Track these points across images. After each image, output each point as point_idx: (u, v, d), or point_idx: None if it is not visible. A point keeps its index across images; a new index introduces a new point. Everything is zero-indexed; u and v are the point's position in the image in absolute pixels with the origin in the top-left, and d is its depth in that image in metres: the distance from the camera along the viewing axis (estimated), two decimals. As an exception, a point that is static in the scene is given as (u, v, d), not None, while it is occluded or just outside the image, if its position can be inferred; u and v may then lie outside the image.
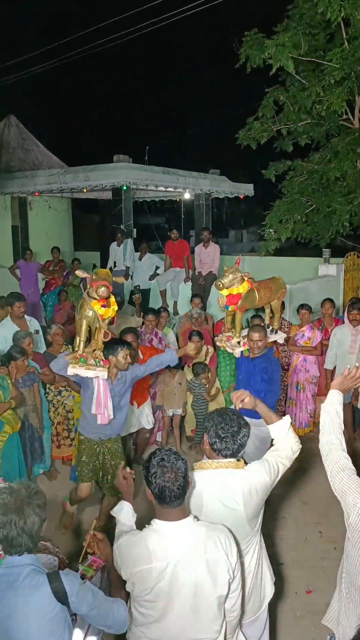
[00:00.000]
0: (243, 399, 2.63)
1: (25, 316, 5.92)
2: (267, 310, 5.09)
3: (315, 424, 6.90)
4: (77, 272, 4.02)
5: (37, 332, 5.97)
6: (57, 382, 5.54)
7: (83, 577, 2.33)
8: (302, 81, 9.62)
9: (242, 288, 4.39)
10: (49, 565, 2.60)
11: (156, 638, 2.12)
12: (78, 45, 13.87)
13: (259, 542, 2.59)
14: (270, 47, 8.50)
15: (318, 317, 7.20)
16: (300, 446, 2.69)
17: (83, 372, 3.96)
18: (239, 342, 4.64)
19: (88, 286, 3.90)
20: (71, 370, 3.95)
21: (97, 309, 3.89)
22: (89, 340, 4.14)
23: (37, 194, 12.58)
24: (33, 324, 6.04)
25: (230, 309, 4.54)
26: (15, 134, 14.92)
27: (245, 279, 4.40)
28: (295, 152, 10.68)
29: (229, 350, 4.68)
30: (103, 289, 3.74)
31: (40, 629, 1.89)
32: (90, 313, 3.93)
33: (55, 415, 5.69)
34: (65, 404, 5.69)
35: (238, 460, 2.45)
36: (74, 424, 5.64)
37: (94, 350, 4.05)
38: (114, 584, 2.29)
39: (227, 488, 2.38)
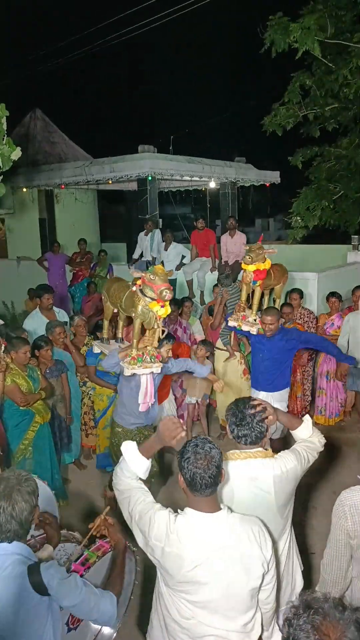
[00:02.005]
0: (264, 413, 2.51)
1: (54, 308, 6.00)
2: (267, 297, 5.28)
3: (346, 413, 6.83)
4: (132, 272, 3.83)
5: (65, 323, 6.05)
6: (82, 374, 5.60)
7: (86, 562, 2.31)
8: (329, 64, 9.41)
9: (267, 264, 4.57)
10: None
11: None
12: (102, 37, 13.85)
13: (289, 532, 2.58)
14: (296, 30, 8.34)
15: (348, 305, 7.10)
16: (324, 440, 2.68)
17: (141, 371, 3.94)
18: (255, 320, 4.76)
19: (140, 283, 3.76)
20: (129, 371, 3.91)
21: (157, 310, 3.76)
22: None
23: (63, 186, 12.66)
24: (61, 316, 6.12)
25: (257, 284, 4.71)
26: (41, 128, 15.04)
27: (266, 257, 4.62)
28: (322, 138, 10.49)
29: (245, 329, 4.78)
30: (168, 293, 3.61)
31: (18, 618, 1.90)
32: (146, 311, 3.80)
33: (82, 405, 5.76)
34: (90, 394, 5.76)
35: (266, 449, 2.44)
36: (95, 416, 5.71)
37: (146, 346, 4.00)
38: (116, 572, 2.28)
39: (257, 477, 2.37)
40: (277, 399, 4.87)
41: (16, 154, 4.37)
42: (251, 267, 4.44)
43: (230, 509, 2.14)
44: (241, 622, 2.09)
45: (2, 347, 4.53)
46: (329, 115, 10.01)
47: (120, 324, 4.65)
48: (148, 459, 2.26)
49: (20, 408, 4.57)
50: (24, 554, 2.03)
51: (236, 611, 2.08)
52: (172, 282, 9.78)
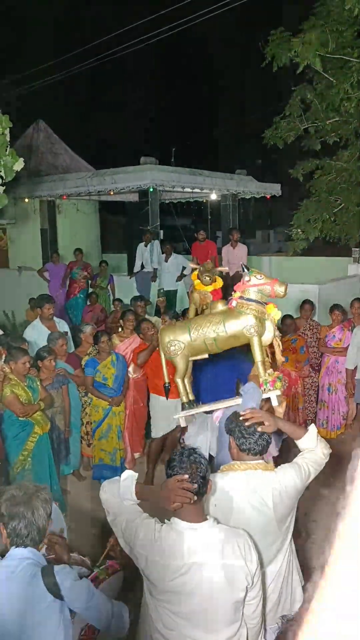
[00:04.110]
0: (261, 422, 2.45)
1: (55, 318, 5.99)
2: None
3: (347, 426, 6.80)
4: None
5: (66, 333, 6.04)
6: (82, 385, 5.59)
7: (96, 579, 2.35)
8: (330, 79, 9.49)
9: (220, 283, 4.24)
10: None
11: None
12: (103, 49, 14.00)
13: (289, 546, 2.55)
14: (297, 45, 8.42)
15: (348, 317, 7.10)
16: (330, 450, 2.63)
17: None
18: None
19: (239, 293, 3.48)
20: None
21: (275, 315, 3.37)
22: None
23: (65, 197, 12.73)
24: (62, 326, 6.11)
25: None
26: (43, 139, 15.16)
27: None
28: (323, 151, 10.54)
29: None
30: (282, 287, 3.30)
31: (32, 619, 1.95)
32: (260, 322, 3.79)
33: (84, 415, 5.75)
34: (90, 404, 5.74)
35: (267, 462, 2.42)
36: (92, 427, 5.68)
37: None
38: (125, 588, 2.32)
39: (257, 490, 2.36)
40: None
41: (19, 164, 4.40)
42: (209, 288, 4.14)
43: (217, 520, 2.13)
44: (225, 636, 2.08)
45: (2, 357, 4.53)
46: (330, 129, 10.06)
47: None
48: (138, 500, 2.20)
49: (19, 419, 4.55)
50: (37, 559, 2.07)
51: (220, 624, 2.06)
52: (173, 294, 9.81)
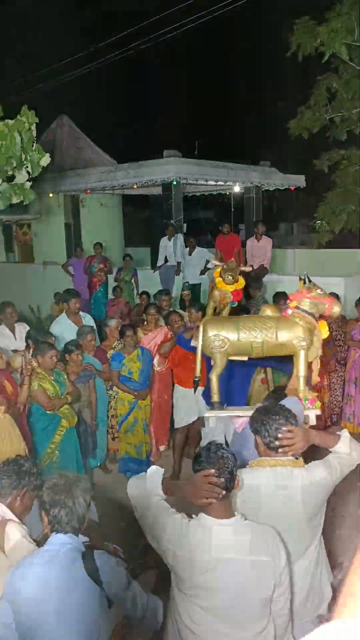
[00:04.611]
0: (293, 439, 2.40)
1: (80, 312, 6.04)
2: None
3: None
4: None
5: (91, 327, 6.08)
6: (108, 380, 5.63)
7: (132, 571, 2.37)
8: (357, 67, 9.30)
9: (242, 283, 4.24)
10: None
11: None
12: (127, 42, 13.97)
13: (319, 542, 2.54)
14: (323, 33, 8.28)
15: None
16: None
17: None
18: None
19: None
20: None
21: (324, 332, 3.37)
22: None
23: (88, 191, 12.78)
24: (88, 320, 6.15)
25: (235, 305, 4.44)
26: (67, 134, 15.22)
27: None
28: (349, 141, 10.35)
29: None
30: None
31: (71, 603, 1.99)
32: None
33: (110, 408, 5.79)
34: (116, 398, 5.78)
35: (297, 458, 2.40)
36: (117, 420, 5.72)
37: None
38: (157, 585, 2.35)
39: (286, 486, 2.35)
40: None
41: (45, 160, 4.43)
42: (230, 288, 4.13)
43: (245, 516, 2.12)
44: (253, 632, 2.08)
45: (30, 352, 4.59)
46: (356, 118, 9.87)
47: None
48: (165, 495, 2.23)
49: (47, 412, 4.61)
50: (77, 544, 2.12)
51: (248, 620, 2.07)
52: (197, 287, 9.79)
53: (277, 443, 2.39)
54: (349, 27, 8.48)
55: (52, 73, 15.43)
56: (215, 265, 4.39)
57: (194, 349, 4.58)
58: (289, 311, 3.09)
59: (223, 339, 3.03)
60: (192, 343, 4.51)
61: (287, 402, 2.97)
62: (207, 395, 4.75)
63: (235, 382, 4.52)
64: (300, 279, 3.15)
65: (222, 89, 24.15)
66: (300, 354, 3.01)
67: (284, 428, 2.39)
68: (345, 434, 2.59)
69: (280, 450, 2.39)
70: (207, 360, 4.60)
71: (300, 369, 3.03)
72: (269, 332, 3.02)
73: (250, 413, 3.11)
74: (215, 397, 3.14)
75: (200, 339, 3.11)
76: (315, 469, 2.40)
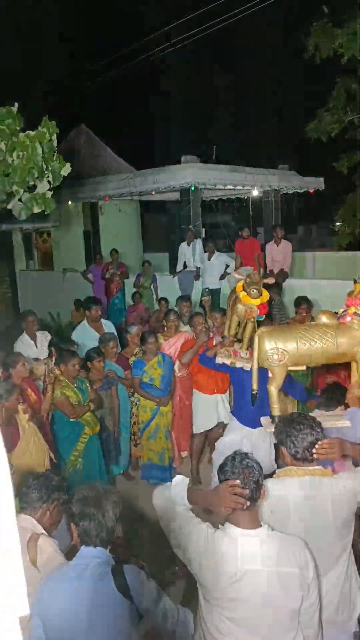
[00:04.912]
0: (330, 450, 2.39)
1: (101, 319, 6.06)
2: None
3: None
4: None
5: (112, 334, 6.10)
6: (130, 387, 5.63)
7: (162, 582, 2.36)
8: (375, 68, 9.25)
9: (266, 296, 4.08)
10: None
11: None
12: (144, 50, 14.06)
13: (349, 554, 2.48)
14: (341, 36, 8.25)
15: None
16: None
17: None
18: (246, 354, 4.28)
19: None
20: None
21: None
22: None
23: (107, 198, 12.87)
24: (108, 327, 6.18)
25: (262, 318, 4.26)
26: (85, 142, 15.38)
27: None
28: (368, 143, 10.29)
29: (239, 365, 4.30)
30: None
31: (100, 618, 1.97)
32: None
33: (131, 415, 5.79)
34: (138, 405, 5.78)
35: (325, 467, 2.37)
36: (139, 427, 5.72)
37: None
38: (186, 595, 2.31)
39: (315, 496, 2.31)
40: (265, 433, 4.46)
41: (66, 169, 4.47)
42: (256, 301, 3.98)
43: (272, 527, 2.09)
44: None
45: (53, 360, 4.61)
46: (376, 120, 9.82)
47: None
48: (190, 505, 2.22)
49: (70, 420, 4.62)
50: (106, 558, 2.11)
51: (275, 632, 2.03)
52: (216, 292, 9.77)
53: (305, 453, 2.35)
54: (367, 28, 8.43)
55: (71, 82, 15.61)
56: (237, 279, 4.30)
57: (219, 367, 4.56)
58: (348, 318, 3.00)
59: (282, 351, 2.92)
60: (218, 360, 4.44)
61: (352, 412, 2.93)
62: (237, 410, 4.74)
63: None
64: (356, 282, 3.09)
65: (240, 93, 24.15)
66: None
67: (309, 438, 2.35)
68: None
69: (313, 460, 2.36)
70: (222, 370, 4.57)
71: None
72: (328, 341, 2.93)
73: (335, 423, 3.02)
74: (276, 411, 3.02)
75: (256, 353, 3.01)
76: (345, 479, 2.35)
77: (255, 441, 4.46)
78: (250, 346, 4.35)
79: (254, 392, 3.15)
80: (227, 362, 4.36)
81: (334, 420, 3.02)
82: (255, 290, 3.92)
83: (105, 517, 2.10)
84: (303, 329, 3.02)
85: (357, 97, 9.72)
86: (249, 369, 4.25)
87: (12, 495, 0.88)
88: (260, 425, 4.35)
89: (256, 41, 21.00)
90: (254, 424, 4.46)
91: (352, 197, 10.00)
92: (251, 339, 4.41)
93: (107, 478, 5.03)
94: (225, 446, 4.69)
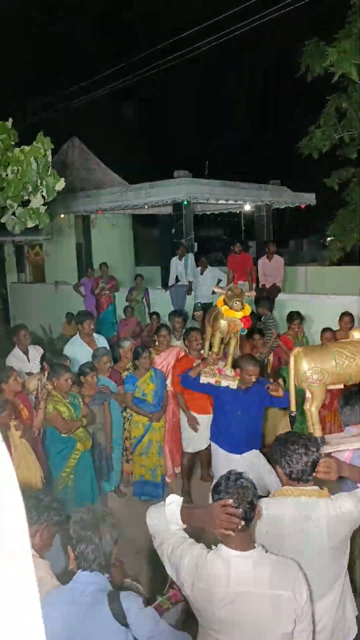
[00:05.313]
0: (327, 471, 2.41)
1: (94, 334, 6.04)
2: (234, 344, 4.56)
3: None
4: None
5: (105, 349, 6.07)
6: (123, 403, 5.60)
7: (159, 607, 2.32)
8: (366, 87, 9.38)
9: (248, 309, 4.08)
10: None
11: None
12: (138, 67, 14.20)
13: (344, 578, 2.45)
14: (332, 54, 8.36)
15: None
16: None
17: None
18: (231, 373, 4.26)
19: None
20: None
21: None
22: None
23: (100, 211, 12.91)
24: (101, 341, 6.15)
25: (245, 332, 4.33)
26: (78, 155, 15.44)
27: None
28: (358, 159, 10.41)
29: (225, 384, 4.23)
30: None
31: None
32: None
33: (123, 431, 5.74)
34: (130, 419, 5.74)
35: (322, 488, 2.35)
36: (131, 443, 5.68)
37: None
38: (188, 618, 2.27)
39: (310, 517, 2.29)
40: (257, 458, 4.42)
41: (60, 185, 4.47)
42: (239, 314, 3.99)
43: (265, 549, 2.07)
44: None
45: (45, 374, 4.58)
46: (366, 137, 9.93)
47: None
48: (184, 524, 2.17)
49: (62, 435, 4.58)
50: (102, 584, 2.08)
51: None
52: (209, 307, 9.77)
53: (300, 474, 2.34)
54: (359, 47, 8.56)
55: (64, 96, 15.70)
56: (218, 293, 4.21)
57: (202, 388, 4.49)
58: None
59: (322, 371, 2.82)
60: (203, 380, 4.33)
61: None
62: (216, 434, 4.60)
63: (248, 430, 4.39)
64: None
65: (232, 109, 24.43)
66: None
67: (305, 458, 2.34)
68: None
69: (309, 480, 2.35)
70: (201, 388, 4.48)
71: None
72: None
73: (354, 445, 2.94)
74: (318, 432, 2.92)
75: (292, 373, 2.92)
76: (341, 500, 2.34)
77: (250, 466, 4.27)
78: (234, 363, 4.30)
79: (292, 414, 3.05)
80: (212, 381, 4.26)
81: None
82: (238, 303, 3.93)
83: (103, 541, 2.07)
84: (339, 346, 2.96)
85: (348, 114, 9.85)
86: (235, 387, 4.26)
87: (20, 497, 0.83)
88: (243, 451, 4.35)
89: (250, 58, 21.32)
90: (233, 448, 4.40)
91: (343, 213, 10.09)
92: (235, 356, 4.38)
93: (98, 495, 4.97)
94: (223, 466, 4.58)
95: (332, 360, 2.84)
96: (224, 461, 4.40)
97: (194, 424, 5.38)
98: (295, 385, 2.92)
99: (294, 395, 2.98)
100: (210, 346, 4.68)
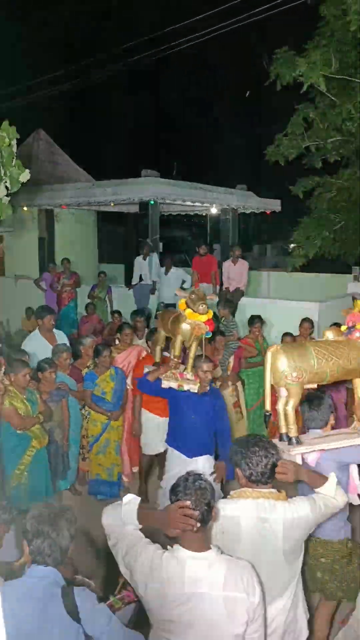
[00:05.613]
0: (284, 472, 2.43)
1: (54, 330, 5.93)
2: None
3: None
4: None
5: (67, 346, 5.98)
6: (82, 400, 5.53)
7: (111, 607, 2.30)
8: (333, 98, 9.57)
9: (210, 312, 4.03)
10: None
11: None
12: (108, 61, 14.08)
13: (297, 582, 2.48)
14: (302, 64, 8.50)
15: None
16: (347, 499, 2.59)
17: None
18: (192, 377, 4.22)
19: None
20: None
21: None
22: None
23: (64, 206, 12.72)
24: (61, 337, 6.04)
25: (209, 336, 4.27)
26: (43, 148, 15.18)
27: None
28: (324, 169, 10.63)
29: (187, 388, 4.18)
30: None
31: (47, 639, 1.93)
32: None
33: (81, 429, 5.67)
34: (88, 418, 5.67)
35: (280, 491, 2.37)
36: (88, 441, 5.61)
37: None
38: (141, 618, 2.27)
39: (267, 519, 2.30)
40: (209, 464, 4.41)
41: (25, 176, 4.36)
42: (204, 317, 3.92)
43: (221, 550, 2.07)
44: None
45: (2, 369, 4.46)
46: (331, 148, 10.15)
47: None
48: (140, 524, 2.15)
49: (17, 432, 4.47)
50: (56, 578, 2.05)
51: None
52: (173, 307, 9.77)
53: (259, 476, 2.35)
54: (327, 59, 8.75)
55: (31, 88, 15.42)
56: (180, 296, 4.12)
57: (159, 392, 4.43)
58: (357, 334, 2.99)
59: (301, 369, 2.78)
60: (164, 384, 4.21)
61: None
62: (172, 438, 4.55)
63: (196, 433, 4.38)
64: (355, 299, 3.15)
65: (202, 113, 24.55)
66: None
67: (264, 460, 2.35)
68: (333, 477, 2.55)
69: (268, 482, 2.36)
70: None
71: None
72: (342, 357, 2.87)
73: (340, 444, 2.95)
74: (293, 432, 2.87)
75: (268, 372, 2.85)
76: (299, 504, 2.36)
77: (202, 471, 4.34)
78: (194, 367, 4.20)
79: (267, 414, 2.98)
80: (175, 385, 4.19)
81: (354, 439, 2.98)
82: (203, 306, 3.87)
83: (60, 536, 2.04)
84: (318, 345, 2.94)
85: (315, 125, 10.04)
86: (196, 390, 4.21)
87: None
88: (196, 455, 4.35)
89: (220, 63, 21.47)
90: (187, 452, 4.40)
91: (307, 221, 10.26)
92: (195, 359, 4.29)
93: (53, 493, 4.88)
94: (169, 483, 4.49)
95: (311, 359, 2.81)
96: (177, 464, 4.39)
97: (138, 432, 5.44)
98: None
99: (269, 394, 2.92)
100: (162, 350, 4.71)
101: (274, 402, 2.94)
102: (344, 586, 3.18)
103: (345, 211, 9.91)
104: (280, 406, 2.87)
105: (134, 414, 5.46)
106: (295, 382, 2.79)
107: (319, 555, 3.17)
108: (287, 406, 2.85)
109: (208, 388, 4.40)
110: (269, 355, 2.84)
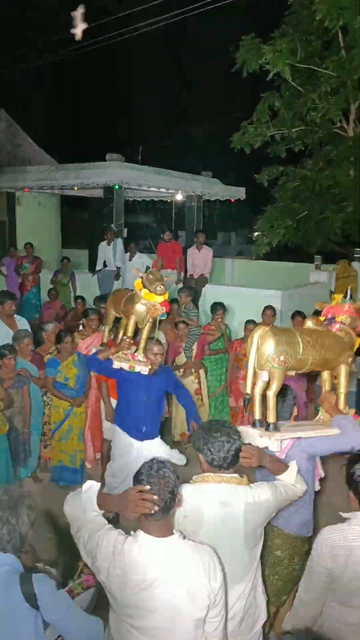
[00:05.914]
0: (248, 457, 2.46)
1: (15, 315, 5.81)
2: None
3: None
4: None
5: (28, 331, 5.87)
6: (44, 387, 5.45)
7: (70, 592, 2.30)
8: (298, 88, 9.63)
9: (166, 294, 4.03)
10: None
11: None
12: (74, 41, 13.72)
13: (256, 567, 2.52)
14: (268, 53, 8.51)
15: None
16: (306, 487, 2.65)
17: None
18: (143, 358, 4.25)
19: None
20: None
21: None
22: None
23: (26, 189, 12.43)
24: (22, 323, 5.93)
25: (165, 317, 4.34)
26: (4, 128, 14.73)
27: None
28: (288, 158, 10.72)
29: (138, 369, 4.19)
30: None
31: (4, 626, 1.92)
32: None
33: (43, 415, 5.60)
34: (50, 404, 5.61)
35: (242, 476, 2.40)
36: (50, 428, 5.56)
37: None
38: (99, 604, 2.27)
39: (229, 503, 2.33)
40: (155, 447, 4.38)
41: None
42: (160, 298, 3.92)
43: (183, 535, 2.09)
44: None
45: None
46: (296, 137, 10.24)
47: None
48: (100, 510, 2.16)
49: (-23, 419, 4.39)
50: (15, 565, 2.02)
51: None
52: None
53: (221, 461, 2.37)
54: (293, 48, 8.78)
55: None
56: (136, 276, 4.09)
57: (110, 372, 4.37)
58: (337, 325, 2.98)
59: (289, 353, 2.70)
60: (115, 365, 4.19)
61: (342, 423, 2.87)
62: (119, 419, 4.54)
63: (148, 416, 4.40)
64: (332, 293, 3.15)
65: (168, 98, 24.31)
66: (342, 370, 2.95)
67: (227, 446, 2.37)
68: (294, 465, 2.59)
69: (230, 467, 2.38)
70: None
71: (343, 385, 2.94)
72: (324, 347, 2.83)
73: (312, 434, 2.90)
74: (272, 418, 2.79)
75: (253, 354, 2.75)
76: (260, 489, 2.39)
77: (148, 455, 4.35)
78: (146, 348, 4.22)
79: (247, 397, 2.88)
80: (126, 366, 4.18)
81: (324, 430, 2.94)
82: (161, 287, 3.86)
83: (19, 522, 2.03)
84: (304, 332, 2.87)
85: (280, 114, 10.09)
86: (146, 372, 4.23)
87: None
88: (143, 438, 4.35)
89: (187, 47, 21.25)
90: (135, 434, 4.39)
91: (271, 209, 10.36)
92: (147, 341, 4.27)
93: (13, 480, 4.82)
94: (115, 471, 4.51)
95: (297, 345, 2.75)
96: (124, 445, 4.42)
97: (111, 416, 5.37)
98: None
99: (251, 377, 2.83)
100: (111, 330, 4.84)
101: (236, 390, 2.94)
102: (279, 584, 3.14)
103: (308, 201, 10.05)
104: (257, 391, 2.80)
105: (103, 398, 5.42)
106: (281, 367, 2.72)
107: (275, 547, 3.13)
108: (269, 391, 2.77)
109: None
110: (255, 337, 2.76)
